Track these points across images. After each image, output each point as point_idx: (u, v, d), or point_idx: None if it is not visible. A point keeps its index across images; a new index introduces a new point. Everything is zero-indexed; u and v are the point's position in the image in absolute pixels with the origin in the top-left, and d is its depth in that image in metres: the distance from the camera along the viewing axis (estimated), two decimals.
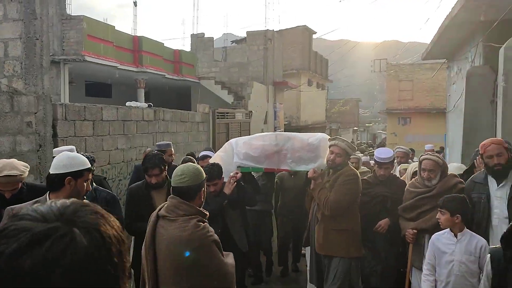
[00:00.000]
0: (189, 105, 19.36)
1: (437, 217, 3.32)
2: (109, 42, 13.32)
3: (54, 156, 4.08)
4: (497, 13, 6.42)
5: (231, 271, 2.55)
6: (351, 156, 5.12)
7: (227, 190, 4.17)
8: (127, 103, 8.02)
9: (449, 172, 6.00)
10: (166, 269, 2.48)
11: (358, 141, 44.85)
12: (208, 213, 2.64)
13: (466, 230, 3.26)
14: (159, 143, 6.33)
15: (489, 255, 2.53)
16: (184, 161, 5.13)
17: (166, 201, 2.91)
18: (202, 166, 4.23)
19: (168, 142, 6.35)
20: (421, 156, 4.07)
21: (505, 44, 5.65)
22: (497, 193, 3.49)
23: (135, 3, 21.90)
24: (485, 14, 6.79)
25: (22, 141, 5.15)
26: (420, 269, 3.82)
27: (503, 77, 5.59)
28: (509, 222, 3.25)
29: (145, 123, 8.07)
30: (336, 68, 32.79)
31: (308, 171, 4.41)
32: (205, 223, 2.53)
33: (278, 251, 6.44)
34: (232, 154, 4.72)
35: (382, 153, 4.58)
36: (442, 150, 13.36)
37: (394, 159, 4.81)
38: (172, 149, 5.95)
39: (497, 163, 3.43)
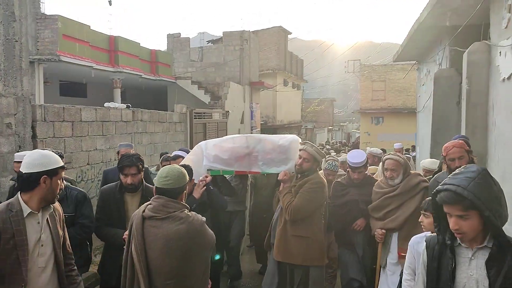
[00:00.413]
0: (166, 105, 19.39)
1: (420, 220, 3.23)
2: (84, 42, 13.26)
3: (16, 161, 4.16)
4: (461, 19, 6.77)
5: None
6: (330, 169, 5.17)
7: (196, 194, 4.04)
8: (106, 104, 8.08)
9: (423, 167, 6.15)
10: (165, 265, 2.54)
11: (333, 140, 45.50)
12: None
13: None
14: (121, 143, 6.19)
15: (423, 243, 2.50)
16: (163, 160, 5.22)
17: (138, 206, 3.00)
18: None
19: (130, 143, 6.19)
20: (384, 156, 4.17)
21: (468, 49, 5.99)
22: None
23: (109, 2, 21.72)
24: (450, 20, 7.14)
25: (2, 142, 5.21)
26: (383, 267, 4.01)
27: (467, 80, 5.93)
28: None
29: (123, 123, 8.15)
30: (311, 68, 33.22)
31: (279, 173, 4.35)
32: (193, 212, 2.74)
33: (255, 249, 6.45)
34: (202, 157, 4.62)
35: (354, 157, 4.51)
36: (413, 148, 13.80)
37: (367, 162, 4.69)
38: (132, 150, 5.55)
39: (458, 166, 3.36)
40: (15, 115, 5.41)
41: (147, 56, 17.69)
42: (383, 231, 4.05)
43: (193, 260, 2.59)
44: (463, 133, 6.24)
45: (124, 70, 15.33)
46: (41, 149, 2.94)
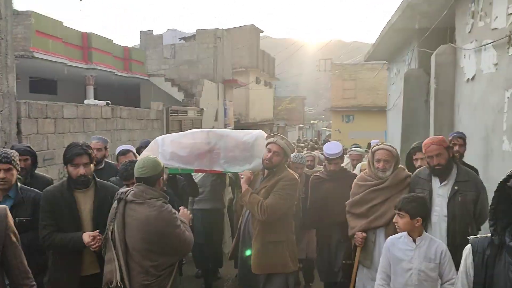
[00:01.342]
0: (138, 102, 19.32)
1: (394, 220, 3.00)
2: (58, 38, 13.11)
3: None
4: (429, 22, 7.21)
5: (189, 236, 3.02)
6: (298, 163, 4.88)
7: None
8: (85, 101, 8.16)
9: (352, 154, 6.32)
10: (137, 245, 2.87)
11: (304, 138, 46.13)
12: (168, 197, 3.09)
13: (425, 234, 2.97)
14: (93, 136, 5.64)
15: (469, 246, 2.18)
16: (120, 154, 4.84)
17: (93, 205, 3.16)
18: (121, 163, 4.03)
19: (103, 137, 5.58)
20: (374, 146, 3.79)
21: (435, 51, 6.42)
22: (439, 191, 3.46)
23: None
24: (419, 23, 7.58)
25: None
26: (367, 267, 3.66)
27: (435, 80, 6.36)
28: (448, 220, 3.33)
29: (103, 120, 8.23)
30: (282, 66, 33.69)
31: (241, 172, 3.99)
32: (168, 204, 2.98)
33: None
34: (158, 154, 4.13)
35: (330, 148, 4.42)
36: None
37: (343, 154, 4.61)
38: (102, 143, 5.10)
39: (437, 163, 3.41)
40: (1, 111, 5.46)
41: (120, 53, 17.59)
42: (364, 234, 3.65)
43: (161, 244, 2.88)
44: (431, 129, 6.67)
45: (98, 67, 15.23)
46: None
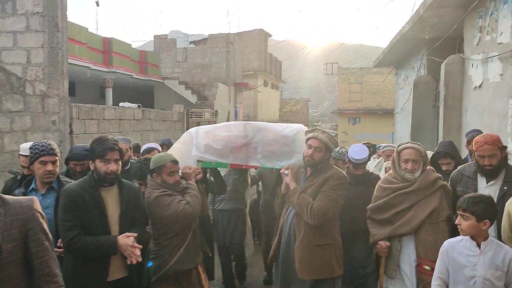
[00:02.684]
0: (152, 104, 20.02)
1: (456, 222, 2.71)
2: (82, 44, 13.84)
3: (22, 154, 3.87)
4: (438, 33, 7.85)
5: (185, 208, 3.16)
6: (339, 159, 4.68)
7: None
8: (120, 104, 8.82)
9: None
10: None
11: None
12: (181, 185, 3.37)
13: (491, 238, 2.68)
14: (118, 137, 5.48)
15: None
16: (145, 152, 5.01)
17: (119, 204, 2.96)
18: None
19: (127, 138, 5.57)
20: (399, 146, 3.46)
21: (445, 60, 7.06)
22: (486, 191, 3.14)
23: (97, 3, 22.16)
24: (429, 34, 8.23)
25: (49, 137, 5.93)
26: (393, 278, 3.36)
27: (444, 87, 7.00)
28: (497, 223, 3.03)
29: (135, 122, 8.90)
30: (285, 68, 34.40)
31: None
32: (161, 191, 3.21)
33: (264, 255, 5.48)
34: (191, 146, 3.94)
35: (357, 153, 4.06)
36: None
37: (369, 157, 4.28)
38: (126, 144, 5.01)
39: (489, 164, 3.17)
40: (58, 113, 6.13)
41: (136, 56, 18.31)
42: (387, 243, 3.33)
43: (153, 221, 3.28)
44: (440, 132, 7.31)
45: (117, 71, 15.95)
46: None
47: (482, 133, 4.55)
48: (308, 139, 3.46)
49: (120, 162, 2.99)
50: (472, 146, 3.39)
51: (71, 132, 6.51)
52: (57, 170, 3.20)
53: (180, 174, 3.44)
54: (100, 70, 15.25)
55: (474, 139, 3.31)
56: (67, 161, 3.94)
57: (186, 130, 12.87)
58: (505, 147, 3.25)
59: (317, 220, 3.25)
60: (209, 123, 15.28)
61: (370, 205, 3.53)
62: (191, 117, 12.95)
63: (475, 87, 6.13)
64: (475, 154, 3.28)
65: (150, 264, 3.25)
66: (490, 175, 3.22)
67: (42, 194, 3.16)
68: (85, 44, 13.94)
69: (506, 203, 2.95)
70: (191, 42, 27.92)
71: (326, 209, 3.27)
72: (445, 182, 3.36)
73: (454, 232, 2.94)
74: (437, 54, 8.22)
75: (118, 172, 2.97)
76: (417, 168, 3.31)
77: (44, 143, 3.19)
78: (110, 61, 15.75)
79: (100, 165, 2.88)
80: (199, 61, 21.55)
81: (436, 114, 8.40)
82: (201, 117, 14.83)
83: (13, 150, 5.14)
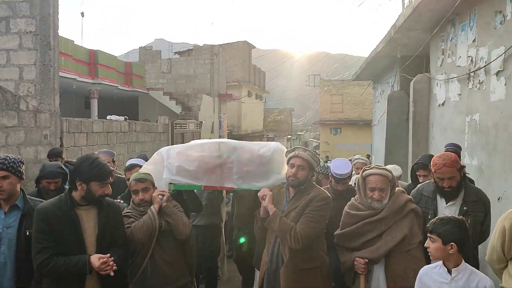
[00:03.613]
0: (137, 114, 20.31)
1: (425, 245, 2.63)
2: (69, 56, 14.09)
3: None
4: (410, 51, 8.41)
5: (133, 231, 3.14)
6: (323, 173, 4.71)
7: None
8: (108, 117, 9.14)
9: None
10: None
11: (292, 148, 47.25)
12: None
13: (464, 264, 2.56)
14: (101, 150, 5.58)
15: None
16: (126, 169, 4.53)
17: (97, 223, 2.85)
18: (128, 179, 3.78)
19: (111, 151, 5.59)
20: (364, 170, 3.24)
21: (414, 79, 7.60)
22: (446, 211, 3.16)
23: (82, 14, 22.44)
24: (400, 52, 8.80)
25: (41, 151, 6.26)
26: None
27: (413, 104, 7.53)
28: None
29: (122, 134, 9.24)
30: (270, 78, 35.07)
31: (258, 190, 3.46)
32: (125, 212, 3.29)
33: (238, 269, 5.40)
34: (162, 167, 3.70)
35: (339, 167, 3.94)
36: (368, 157, 15.49)
37: (351, 172, 4.20)
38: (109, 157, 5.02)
39: (448, 185, 3.14)
40: (49, 127, 6.46)
41: (122, 68, 18.59)
42: (365, 260, 3.17)
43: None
44: (410, 145, 7.81)
45: (103, 82, 16.21)
46: None
47: (460, 148, 4.90)
48: (290, 158, 3.37)
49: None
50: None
51: (61, 145, 6.83)
52: (13, 187, 2.94)
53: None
54: (86, 82, 15.50)
55: (432, 160, 3.24)
56: (39, 180, 3.89)
57: (171, 141, 13.30)
58: (463, 167, 3.24)
59: (300, 245, 3.17)
60: (193, 134, 15.67)
61: (337, 232, 3.40)
62: (176, 128, 13.31)
63: (439, 104, 6.66)
64: (434, 176, 3.23)
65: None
66: (449, 197, 3.21)
67: (5, 212, 2.97)
68: (71, 56, 14.20)
69: (501, 218, 2.70)
70: (175, 53, 28.35)
71: (309, 232, 3.18)
72: (415, 205, 3.24)
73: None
74: (408, 72, 8.77)
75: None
76: (385, 196, 3.15)
77: (4, 157, 2.96)
78: (96, 72, 16.01)
79: (96, 188, 2.83)
80: (184, 72, 21.94)
81: (408, 127, 8.93)
82: (186, 128, 15.20)
83: None
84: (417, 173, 4.25)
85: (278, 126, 46.50)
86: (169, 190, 3.60)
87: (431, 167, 3.24)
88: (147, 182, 3.28)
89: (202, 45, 22.40)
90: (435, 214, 3.16)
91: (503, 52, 4.45)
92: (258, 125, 33.42)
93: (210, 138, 19.83)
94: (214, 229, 5.02)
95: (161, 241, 3.26)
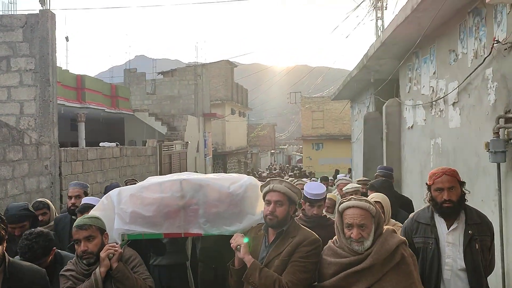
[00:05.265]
0: (123, 135, 20.70)
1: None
2: (57, 82, 14.48)
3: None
4: (382, 75, 9.12)
5: None
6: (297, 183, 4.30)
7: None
8: (101, 144, 9.60)
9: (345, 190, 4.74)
10: None
11: (275, 163, 48.10)
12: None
13: None
14: (72, 182, 4.91)
15: None
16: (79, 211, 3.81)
17: None
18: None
19: (84, 183, 4.96)
20: (341, 203, 2.60)
21: (386, 103, 8.28)
22: (449, 238, 2.79)
23: (66, 38, 22.81)
24: (373, 77, 9.51)
25: (43, 180, 6.69)
26: None
27: (385, 126, 8.20)
28: (469, 276, 2.71)
29: (114, 159, 9.69)
30: (251, 92, 35.81)
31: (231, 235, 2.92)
32: (65, 269, 2.73)
33: None
34: (113, 215, 3.16)
35: (313, 188, 3.56)
36: (349, 171, 16.12)
37: (326, 195, 3.78)
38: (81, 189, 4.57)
39: (448, 199, 2.75)
40: (49, 158, 6.91)
41: (108, 91, 19.02)
42: None
43: None
44: (385, 163, 8.45)
45: (90, 106, 16.62)
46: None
47: (391, 170, 5.68)
48: (265, 194, 2.84)
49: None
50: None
51: (60, 174, 7.27)
52: None
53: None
54: (74, 106, 15.90)
55: (431, 171, 2.91)
56: None
57: (159, 162, 13.75)
58: (464, 183, 2.87)
59: None
60: (180, 154, 16.14)
61: (316, 285, 2.67)
62: (164, 150, 13.78)
63: (408, 127, 7.33)
64: (431, 190, 2.86)
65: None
66: (449, 214, 2.80)
67: None
68: (59, 83, 14.58)
69: None
70: (159, 73, 28.90)
71: (298, 285, 2.62)
72: (410, 250, 2.58)
73: None
74: (382, 95, 9.48)
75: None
76: (367, 236, 2.46)
77: None
78: (83, 97, 16.41)
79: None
80: (168, 92, 22.48)
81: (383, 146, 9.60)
82: (173, 149, 15.67)
83: (14, 195, 5.88)
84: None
85: (262, 141, 47.27)
86: (122, 241, 3.08)
87: (428, 182, 2.89)
88: (91, 229, 2.66)
89: (184, 62, 23.06)
90: (437, 244, 2.80)
91: (457, 86, 5.12)
92: (242, 141, 34.02)
93: (195, 157, 20.47)
94: (180, 268, 4.22)
95: None
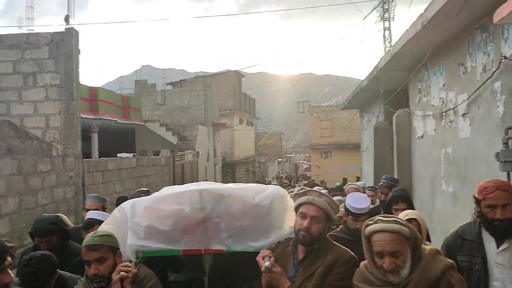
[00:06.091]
0: (134, 146, 21.06)
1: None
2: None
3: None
4: (392, 86, 9.36)
5: None
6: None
7: None
8: (119, 155, 9.91)
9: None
10: None
11: (282, 171, 48.30)
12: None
13: None
14: (89, 194, 4.82)
15: None
16: (84, 228, 3.59)
17: None
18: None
19: (101, 196, 4.76)
20: (368, 224, 2.18)
21: (396, 113, 8.52)
22: (498, 258, 2.44)
23: (78, 51, 23.33)
24: (383, 88, 9.76)
25: (68, 191, 6.99)
26: None
27: (396, 135, 8.43)
28: None
29: (131, 169, 9.99)
30: (258, 101, 36.23)
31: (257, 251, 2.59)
32: None
33: None
34: (126, 229, 2.85)
35: (358, 201, 3.25)
36: (358, 180, 16.33)
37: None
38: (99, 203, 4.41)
39: (502, 218, 2.38)
40: (74, 169, 7.21)
41: (119, 102, 19.42)
42: None
43: None
44: (396, 172, 8.67)
45: (104, 117, 17.00)
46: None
47: (396, 181, 5.60)
48: (299, 205, 2.53)
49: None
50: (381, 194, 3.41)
51: (83, 184, 7.57)
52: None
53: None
54: (87, 118, 16.28)
55: (480, 185, 2.51)
56: (32, 236, 3.37)
57: (173, 172, 14.04)
58: None
59: None
60: (191, 164, 16.43)
61: None
62: (176, 160, 14.08)
63: (418, 137, 7.56)
64: (481, 206, 2.48)
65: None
66: (504, 234, 2.42)
67: None
68: None
69: None
70: (168, 84, 29.34)
71: None
72: (459, 276, 2.19)
73: None
74: (392, 105, 9.71)
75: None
76: (402, 263, 2.08)
77: None
78: (97, 108, 16.80)
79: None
80: (178, 103, 22.86)
81: (393, 155, 9.82)
82: (185, 159, 15.97)
83: (44, 204, 6.18)
84: (394, 206, 3.60)
85: (269, 150, 47.52)
86: (137, 259, 2.77)
87: (477, 195, 2.49)
88: (102, 250, 2.40)
89: (190, 71, 23.47)
90: (485, 264, 2.46)
91: (466, 98, 5.37)
92: (250, 150, 34.32)
93: (206, 167, 20.77)
94: (197, 283, 3.97)
95: None
